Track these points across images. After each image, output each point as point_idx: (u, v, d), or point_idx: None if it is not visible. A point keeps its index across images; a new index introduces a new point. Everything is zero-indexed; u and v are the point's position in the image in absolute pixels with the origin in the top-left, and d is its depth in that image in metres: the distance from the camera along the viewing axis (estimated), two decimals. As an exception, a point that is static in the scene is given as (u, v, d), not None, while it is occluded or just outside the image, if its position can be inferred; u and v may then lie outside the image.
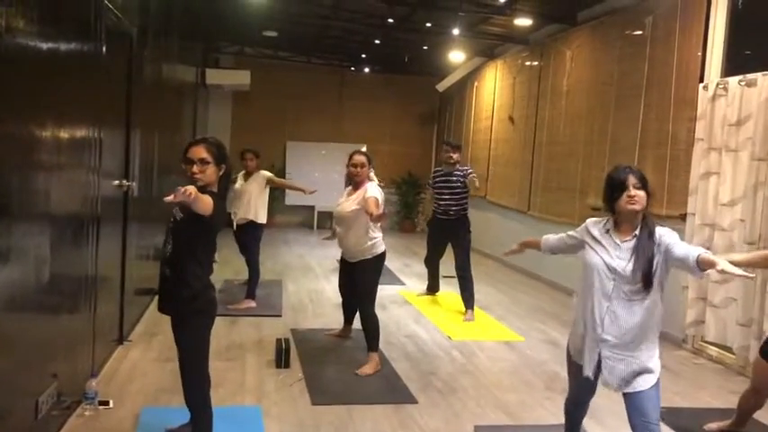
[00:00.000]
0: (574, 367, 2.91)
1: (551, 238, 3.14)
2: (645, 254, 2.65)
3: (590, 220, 2.91)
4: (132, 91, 4.63)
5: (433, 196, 6.39)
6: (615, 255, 2.71)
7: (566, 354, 3.00)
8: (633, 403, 2.70)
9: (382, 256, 4.60)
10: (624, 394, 2.75)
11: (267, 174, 6.19)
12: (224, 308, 5.52)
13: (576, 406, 3.09)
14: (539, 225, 8.28)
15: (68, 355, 3.39)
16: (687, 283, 5.22)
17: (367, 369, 4.38)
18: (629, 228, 2.72)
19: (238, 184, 6.08)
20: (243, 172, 6.15)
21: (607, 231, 2.78)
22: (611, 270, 2.69)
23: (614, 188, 2.71)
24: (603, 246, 2.76)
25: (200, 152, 2.84)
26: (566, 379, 4.58)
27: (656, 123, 5.98)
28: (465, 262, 6.17)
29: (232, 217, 5.99)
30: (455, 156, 6.30)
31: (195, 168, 2.81)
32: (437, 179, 6.33)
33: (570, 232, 3.00)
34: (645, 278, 2.63)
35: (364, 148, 11.96)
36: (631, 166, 2.78)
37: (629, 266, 2.66)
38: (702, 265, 2.49)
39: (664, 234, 2.68)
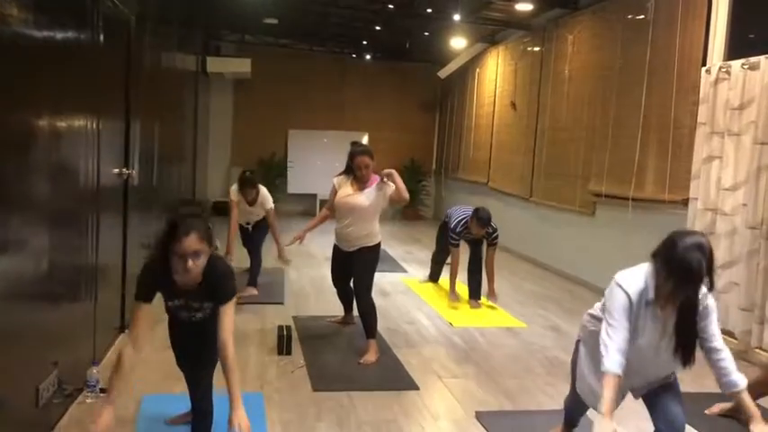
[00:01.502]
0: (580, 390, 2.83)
1: (617, 358, 2.37)
2: (689, 334, 2.38)
3: (629, 285, 2.43)
4: (131, 79, 4.61)
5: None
6: (654, 328, 2.43)
7: (571, 368, 2.93)
8: (656, 407, 2.57)
9: (379, 245, 4.67)
10: (644, 398, 2.67)
11: (271, 205, 5.90)
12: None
13: (576, 409, 3.10)
14: (540, 211, 8.27)
15: (69, 344, 3.40)
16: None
17: (371, 357, 4.38)
18: (671, 301, 2.38)
19: (242, 207, 5.85)
20: (235, 187, 5.82)
21: (647, 304, 2.43)
22: (654, 348, 2.46)
23: (678, 276, 2.31)
24: (644, 318, 2.44)
25: (194, 243, 2.50)
26: (567, 364, 4.59)
27: (659, 108, 5.94)
28: (478, 256, 6.11)
29: (245, 226, 5.99)
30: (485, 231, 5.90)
31: (190, 264, 2.50)
32: (467, 236, 5.96)
33: (614, 318, 2.43)
34: (685, 358, 2.39)
35: (366, 139, 11.91)
36: (704, 249, 2.30)
37: (671, 345, 2.40)
38: (733, 395, 2.43)
39: (708, 305, 2.44)
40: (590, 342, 2.71)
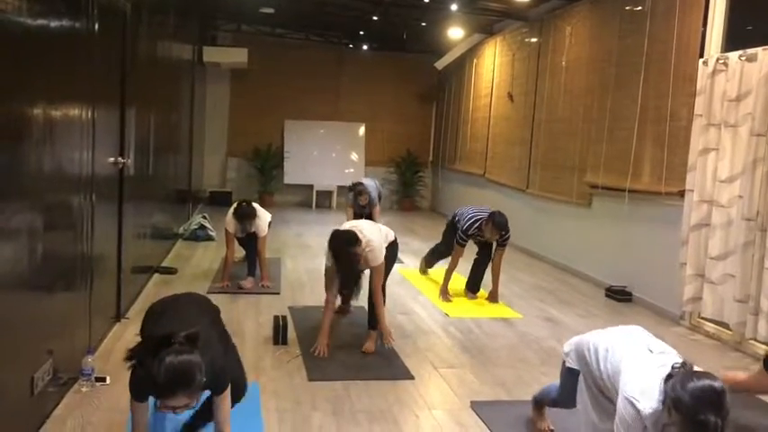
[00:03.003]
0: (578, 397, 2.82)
1: None
2: None
3: (648, 413, 2.24)
4: (127, 69, 4.59)
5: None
6: None
7: (567, 362, 2.90)
8: None
9: (396, 241, 4.66)
10: None
11: (264, 232, 5.84)
12: (235, 286, 5.81)
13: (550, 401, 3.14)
14: (537, 203, 8.27)
15: (64, 333, 3.39)
16: (685, 260, 5.21)
17: (372, 346, 4.40)
18: None
19: (239, 234, 5.80)
20: (231, 217, 5.71)
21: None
22: None
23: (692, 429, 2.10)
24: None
25: (181, 401, 2.25)
26: (562, 355, 4.60)
27: (656, 100, 5.94)
28: (487, 251, 6.06)
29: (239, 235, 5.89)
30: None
31: (180, 411, 2.32)
32: (478, 237, 5.88)
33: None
34: None
35: (362, 130, 11.74)
36: (724, 409, 2.07)
37: None
38: None
39: None
40: (590, 385, 2.72)
